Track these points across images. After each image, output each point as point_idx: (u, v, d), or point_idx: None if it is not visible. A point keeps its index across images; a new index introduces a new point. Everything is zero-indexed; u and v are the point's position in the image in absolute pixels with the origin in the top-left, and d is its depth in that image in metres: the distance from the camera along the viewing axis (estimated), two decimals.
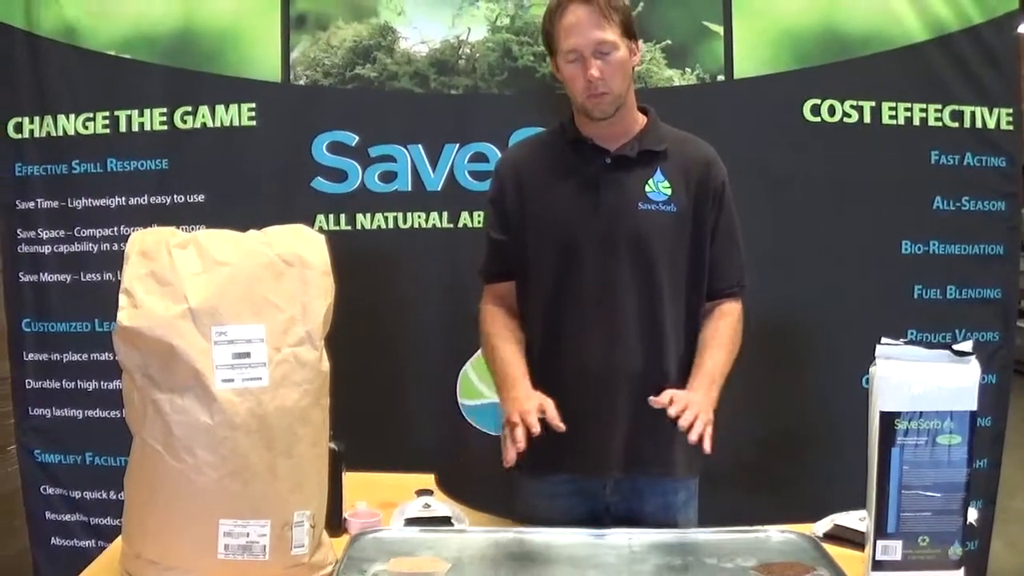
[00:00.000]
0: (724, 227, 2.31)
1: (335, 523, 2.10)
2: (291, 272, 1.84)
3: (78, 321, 3.26)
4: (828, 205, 3.15)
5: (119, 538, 1.94)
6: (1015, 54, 3.22)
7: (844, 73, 3.14)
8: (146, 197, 3.23)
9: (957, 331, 3.17)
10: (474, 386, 3.13)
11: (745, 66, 3.16)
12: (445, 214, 3.20)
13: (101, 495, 3.29)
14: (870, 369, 1.83)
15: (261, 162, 3.20)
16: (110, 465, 3.23)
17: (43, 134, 3.24)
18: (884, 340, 1.85)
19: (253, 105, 3.19)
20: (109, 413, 3.21)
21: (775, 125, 3.15)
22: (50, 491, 3.33)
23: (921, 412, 1.79)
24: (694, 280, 2.28)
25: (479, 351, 2.44)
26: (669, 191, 2.25)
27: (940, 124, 3.17)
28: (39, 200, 3.26)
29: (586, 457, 2.28)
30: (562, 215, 2.26)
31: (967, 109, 3.17)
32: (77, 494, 3.32)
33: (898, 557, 1.82)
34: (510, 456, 2.04)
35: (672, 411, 2.02)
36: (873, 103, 3.15)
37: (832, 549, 1.99)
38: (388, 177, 3.19)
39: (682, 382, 2.27)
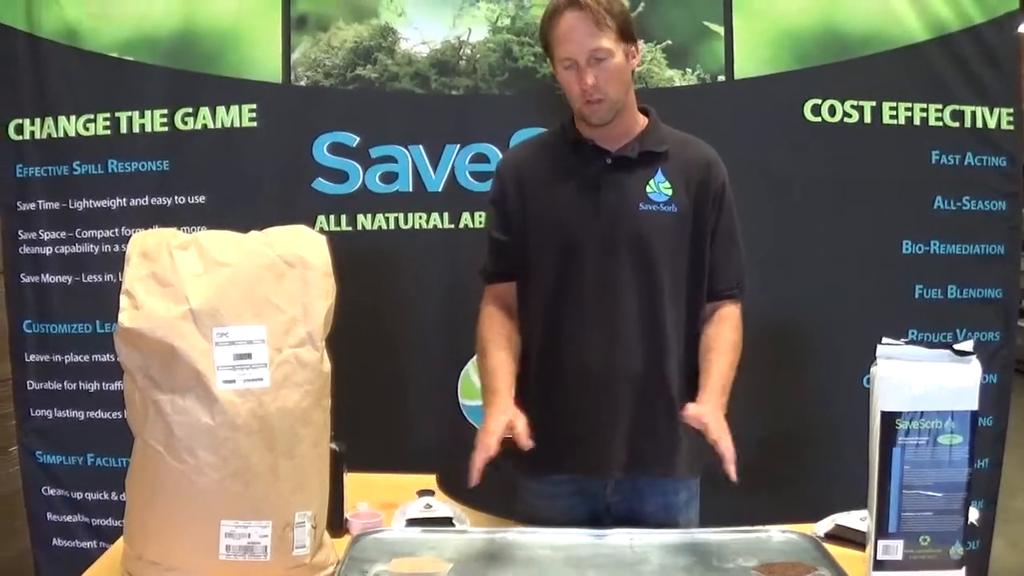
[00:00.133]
0: (724, 228, 2.31)
1: (336, 524, 2.10)
2: (292, 273, 1.84)
3: (79, 322, 3.27)
4: (829, 205, 3.15)
5: (120, 539, 1.94)
6: (1015, 54, 3.22)
7: (845, 73, 3.14)
8: (147, 198, 3.23)
9: (958, 331, 3.17)
10: (475, 386, 3.12)
11: (746, 66, 3.16)
12: (446, 215, 3.20)
13: (102, 496, 3.29)
14: (871, 369, 1.83)
15: (262, 163, 3.20)
16: (111, 466, 3.23)
17: (44, 135, 3.25)
18: (885, 340, 1.85)
19: (254, 106, 3.20)
20: (110, 414, 3.22)
21: (776, 125, 3.16)
22: (51, 492, 3.34)
23: (922, 412, 1.79)
24: (695, 281, 2.28)
25: None
26: (670, 192, 2.25)
27: (941, 124, 3.17)
28: (40, 201, 3.26)
29: (587, 457, 2.28)
30: (563, 216, 2.26)
31: (968, 109, 3.17)
32: (78, 495, 3.32)
33: (899, 557, 1.82)
34: (472, 477, 2.04)
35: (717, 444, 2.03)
36: (874, 103, 3.15)
37: (833, 549, 1.99)
38: (389, 178, 3.20)
39: (683, 382, 2.27)
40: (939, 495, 1.80)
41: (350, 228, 3.20)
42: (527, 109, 3.07)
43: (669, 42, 3.16)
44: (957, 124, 3.17)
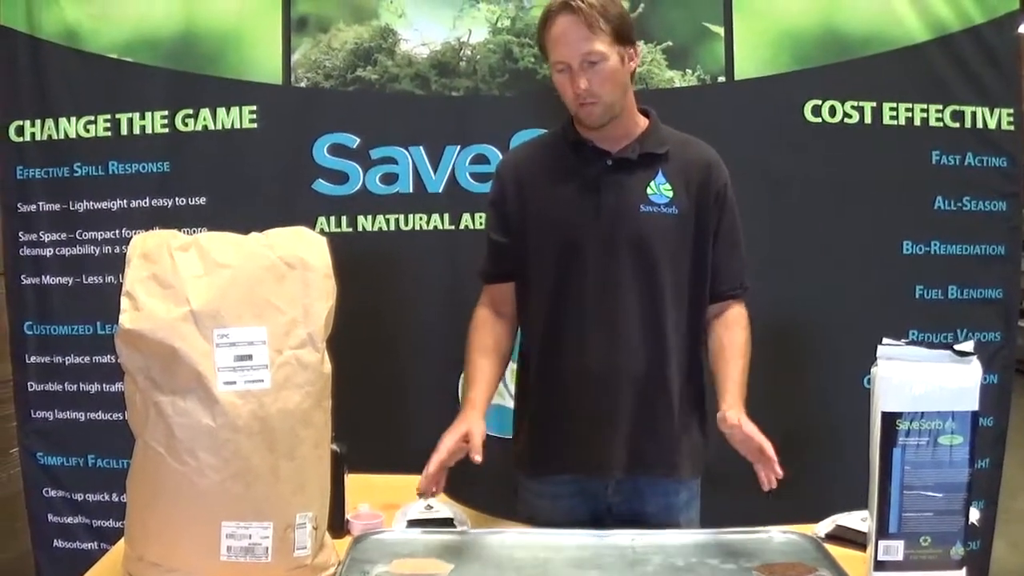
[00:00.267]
0: (727, 229, 2.31)
1: (337, 525, 2.10)
2: (293, 274, 1.84)
3: (80, 324, 3.27)
4: (829, 206, 3.15)
5: (121, 540, 1.94)
6: (1016, 54, 3.22)
7: (845, 74, 3.14)
8: (147, 200, 3.23)
9: (958, 331, 3.17)
10: None
11: (746, 67, 3.16)
12: (446, 216, 3.20)
13: (103, 497, 3.29)
14: (871, 369, 1.83)
15: (262, 164, 3.20)
16: (112, 467, 3.24)
17: (44, 137, 3.25)
18: (885, 340, 1.85)
19: (254, 107, 3.20)
20: (111, 415, 3.22)
21: (776, 126, 3.15)
22: (52, 493, 3.34)
23: (923, 412, 1.79)
24: (696, 282, 2.29)
25: None
26: (671, 193, 2.25)
27: (941, 124, 3.17)
28: (41, 203, 3.27)
29: (588, 458, 2.28)
30: (563, 217, 2.26)
31: (968, 109, 3.17)
32: (79, 496, 3.32)
33: (900, 557, 1.82)
34: (419, 484, 2.09)
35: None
36: (874, 103, 3.15)
37: (834, 549, 1.99)
38: (389, 179, 3.20)
39: (683, 383, 2.28)
40: (940, 495, 1.80)
41: (350, 229, 3.20)
42: (527, 110, 3.07)
43: (669, 43, 3.16)
44: (957, 124, 3.17)
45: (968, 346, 1.83)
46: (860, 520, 2.07)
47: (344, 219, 3.20)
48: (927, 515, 1.81)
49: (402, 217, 3.20)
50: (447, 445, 2.11)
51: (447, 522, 2.19)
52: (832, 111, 3.15)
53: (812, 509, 2.21)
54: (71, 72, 3.23)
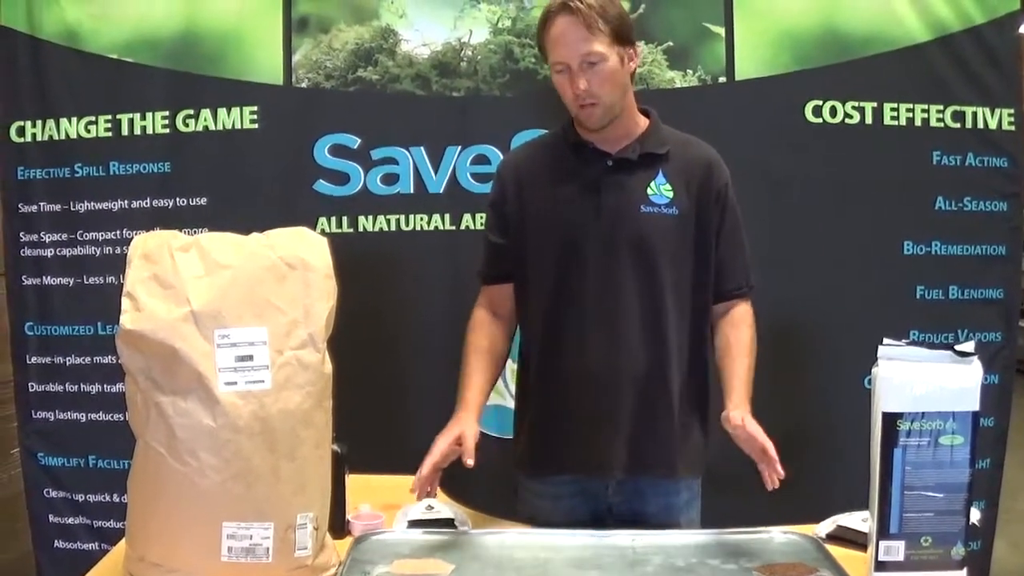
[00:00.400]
0: (729, 229, 2.31)
1: (338, 525, 2.10)
2: (293, 275, 1.84)
3: (81, 324, 3.27)
4: (830, 206, 3.15)
5: (122, 541, 1.94)
6: (1016, 54, 3.22)
7: (845, 74, 3.14)
8: (148, 200, 3.23)
9: (959, 331, 3.17)
10: None
11: (746, 67, 3.16)
12: (447, 216, 3.20)
13: (104, 498, 3.29)
14: (872, 370, 1.83)
15: (263, 165, 3.20)
16: (113, 468, 3.24)
17: (45, 138, 3.25)
18: (886, 341, 1.84)
19: (255, 108, 3.20)
20: (112, 416, 3.22)
21: (777, 126, 3.15)
22: (53, 494, 3.34)
23: (923, 413, 1.79)
24: (698, 282, 2.29)
25: None
26: (671, 194, 2.25)
27: (942, 125, 3.17)
28: (42, 204, 3.27)
29: (588, 458, 2.28)
30: (564, 218, 2.26)
31: (969, 110, 3.17)
32: (80, 497, 3.32)
33: (901, 558, 1.82)
34: (412, 485, 2.10)
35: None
36: (875, 104, 3.15)
37: (835, 550, 1.99)
38: (390, 179, 3.20)
39: (684, 383, 2.28)
40: (940, 496, 1.80)
41: (351, 230, 3.20)
42: (528, 111, 3.07)
43: (670, 43, 3.16)
44: (958, 125, 3.17)
45: (969, 346, 1.83)
46: (861, 520, 2.07)
47: (345, 219, 3.20)
48: (928, 515, 1.81)
49: (403, 217, 3.20)
50: (440, 448, 2.11)
51: (448, 522, 2.19)
52: (833, 111, 3.15)
53: (813, 509, 2.21)
54: (72, 72, 3.23)
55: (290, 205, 3.16)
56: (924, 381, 1.79)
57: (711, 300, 2.31)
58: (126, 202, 3.24)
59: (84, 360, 3.28)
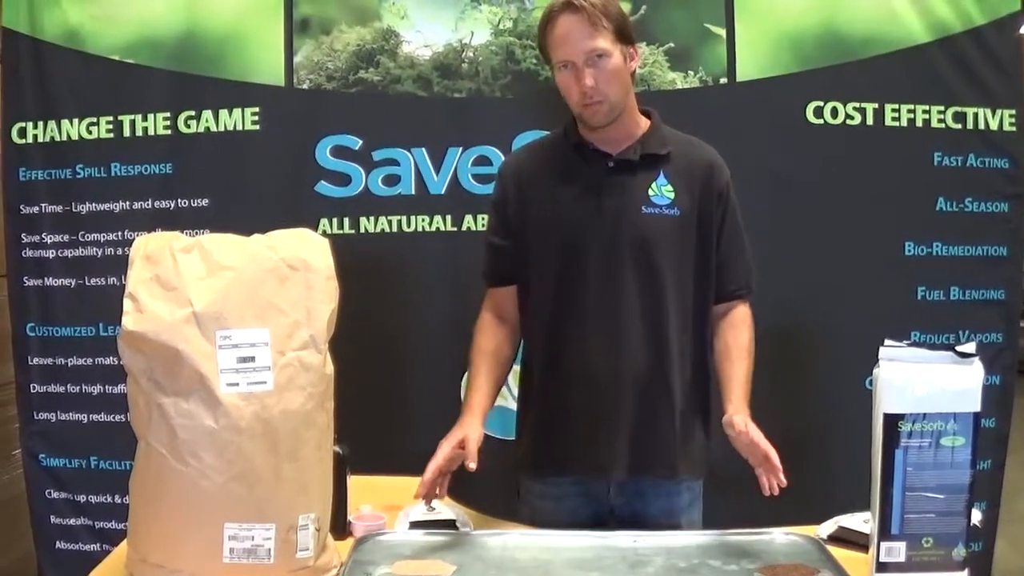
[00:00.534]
0: (730, 229, 2.31)
1: (340, 526, 2.10)
2: (295, 276, 1.85)
3: (82, 325, 3.27)
4: (831, 207, 3.15)
5: (124, 542, 1.94)
6: (1018, 55, 3.22)
7: (847, 75, 3.14)
8: (150, 201, 3.23)
9: (960, 333, 3.17)
10: None
11: (748, 68, 3.16)
12: (449, 217, 3.20)
13: (106, 499, 3.29)
14: (873, 371, 1.84)
15: (265, 166, 3.20)
16: (115, 469, 3.23)
17: (47, 139, 3.25)
18: (887, 342, 1.85)
19: (257, 109, 3.20)
20: (114, 417, 3.22)
21: (778, 127, 3.15)
22: (55, 495, 3.34)
23: (925, 414, 1.79)
24: (699, 283, 2.29)
25: None
26: (672, 195, 2.25)
27: (943, 126, 3.17)
28: (43, 205, 3.26)
29: (590, 459, 2.28)
30: (565, 219, 2.26)
31: (970, 110, 3.17)
32: (82, 498, 3.32)
33: (902, 559, 1.82)
34: (417, 491, 2.11)
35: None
36: (876, 105, 3.15)
37: (836, 551, 1.99)
38: (392, 180, 3.20)
39: (686, 384, 2.28)
40: (942, 497, 1.81)
41: (353, 231, 3.20)
42: (529, 112, 3.07)
43: (671, 44, 3.16)
44: (959, 126, 3.17)
45: (970, 347, 1.83)
46: (862, 521, 2.07)
47: (346, 221, 3.20)
48: (929, 516, 1.81)
49: (404, 219, 3.20)
50: (444, 451, 2.11)
51: (449, 523, 2.19)
52: (834, 112, 3.15)
53: (814, 510, 2.21)
54: (73, 74, 3.22)
55: (292, 206, 3.16)
56: (925, 382, 1.80)
57: (712, 301, 2.32)
58: (128, 203, 3.23)
59: (86, 361, 3.28)
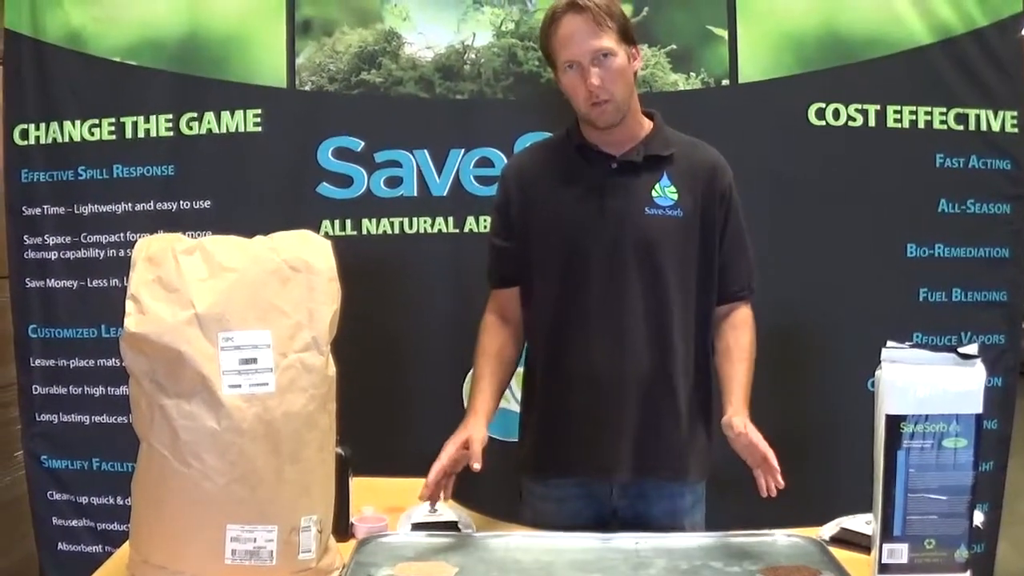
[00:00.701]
0: (732, 231, 2.31)
1: (342, 528, 2.10)
2: (297, 278, 1.85)
3: (85, 327, 3.27)
4: (833, 209, 3.15)
5: (126, 543, 1.94)
6: (1019, 56, 3.22)
7: (849, 77, 3.14)
8: (152, 203, 3.24)
9: (963, 334, 3.16)
10: None
11: (750, 70, 3.16)
12: (451, 219, 3.20)
13: (108, 500, 3.29)
14: (876, 372, 1.84)
15: (267, 168, 3.21)
16: (117, 470, 3.24)
17: (49, 140, 3.25)
18: (889, 343, 1.85)
19: (259, 111, 3.20)
20: (116, 418, 3.22)
21: (780, 129, 3.15)
22: (57, 496, 3.34)
23: (927, 415, 1.79)
24: (703, 284, 2.28)
25: None
26: (675, 196, 2.25)
27: (945, 127, 3.17)
28: (45, 206, 3.27)
29: (593, 461, 2.28)
30: (568, 221, 2.26)
31: (972, 112, 3.16)
32: (84, 499, 3.32)
33: (904, 560, 1.82)
34: (421, 492, 2.11)
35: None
36: (878, 106, 3.15)
37: (838, 553, 1.99)
38: (394, 182, 3.20)
39: (689, 386, 2.28)
40: (944, 498, 1.81)
41: (355, 233, 3.20)
42: (531, 113, 3.07)
43: (673, 46, 3.16)
44: (961, 127, 3.17)
45: (972, 349, 1.83)
46: (864, 523, 2.07)
47: (348, 222, 3.20)
48: (931, 518, 1.81)
49: (406, 220, 3.20)
50: (448, 453, 2.12)
51: (452, 525, 2.19)
52: (836, 114, 3.15)
53: (816, 512, 2.21)
54: (75, 75, 3.23)
55: (294, 208, 3.16)
56: (927, 384, 1.79)
57: (715, 302, 2.32)
58: (130, 205, 3.24)
59: (88, 363, 3.28)
